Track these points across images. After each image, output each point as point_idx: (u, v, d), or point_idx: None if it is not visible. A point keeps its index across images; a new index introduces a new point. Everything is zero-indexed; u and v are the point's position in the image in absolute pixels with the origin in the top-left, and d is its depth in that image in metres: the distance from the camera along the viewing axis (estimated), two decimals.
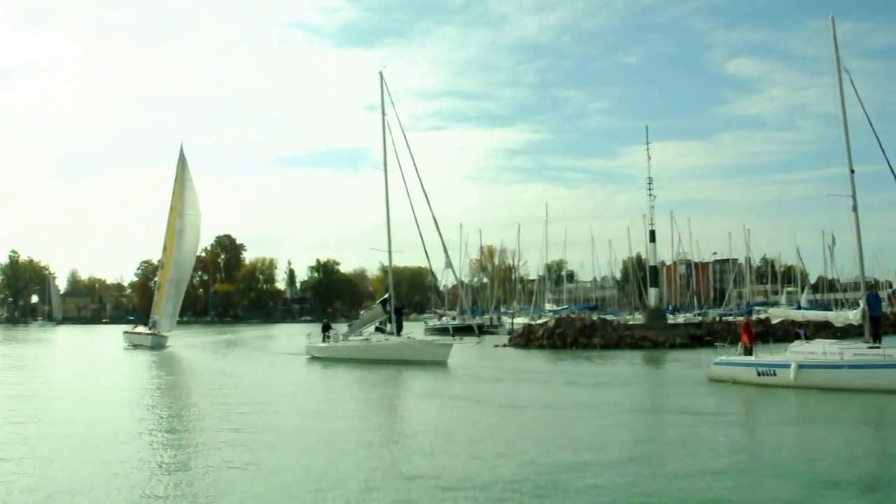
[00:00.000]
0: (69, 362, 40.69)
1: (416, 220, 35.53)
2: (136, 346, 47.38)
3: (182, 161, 50.35)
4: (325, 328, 37.84)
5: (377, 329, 35.29)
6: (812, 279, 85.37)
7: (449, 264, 45.74)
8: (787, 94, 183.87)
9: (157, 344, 46.64)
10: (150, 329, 49.23)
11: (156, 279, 55.51)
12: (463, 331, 51.72)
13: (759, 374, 20.76)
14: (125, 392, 23.91)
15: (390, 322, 34.85)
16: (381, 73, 36.84)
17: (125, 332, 52.66)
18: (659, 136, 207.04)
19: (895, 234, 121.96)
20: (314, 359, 35.56)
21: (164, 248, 50.86)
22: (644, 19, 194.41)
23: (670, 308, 62.76)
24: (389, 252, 35.41)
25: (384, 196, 35.95)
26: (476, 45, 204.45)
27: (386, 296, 35.94)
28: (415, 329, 77.73)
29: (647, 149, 47.34)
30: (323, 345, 36.29)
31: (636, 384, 24.25)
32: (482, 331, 53.04)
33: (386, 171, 35.77)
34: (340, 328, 40.45)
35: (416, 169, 35.12)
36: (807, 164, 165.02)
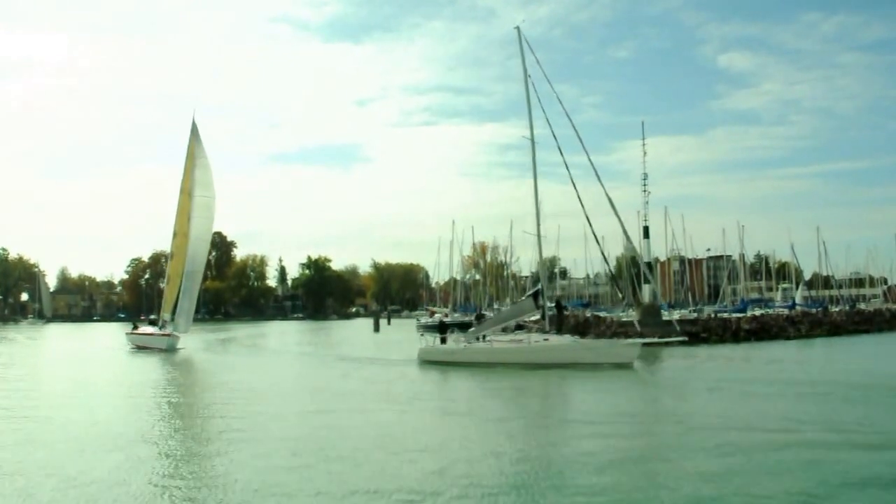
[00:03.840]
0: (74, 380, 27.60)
1: (579, 198, 31.51)
2: (140, 349, 42.44)
3: (194, 134, 43.57)
4: (443, 328, 32.59)
5: (518, 327, 30.59)
6: (807, 275, 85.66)
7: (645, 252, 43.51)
8: (780, 89, 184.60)
9: (171, 346, 40.73)
10: (160, 329, 43.62)
11: (146, 277, 53.60)
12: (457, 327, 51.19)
13: None
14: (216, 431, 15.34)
15: (543, 318, 29.76)
16: (517, 29, 31.52)
17: (128, 334, 47.05)
18: (652, 132, 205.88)
19: (889, 231, 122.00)
20: (428, 364, 29.49)
21: (175, 235, 44.22)
22: (635, 13, 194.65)
23: (664, 305, 62.47)
24: (538, 236, 31.14)
25: (532, 170, 30.81)
26: (465, 39, 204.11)
27: (538, 287, 31.02)
28: (408, 326, 76.83)
29: (643, 144, 46.45)
30: (446, 347, 30.67)
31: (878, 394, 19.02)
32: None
33: (533, 140, 30.77)
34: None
35: (580, 137, 31.71)
36: (801, 160, 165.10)
